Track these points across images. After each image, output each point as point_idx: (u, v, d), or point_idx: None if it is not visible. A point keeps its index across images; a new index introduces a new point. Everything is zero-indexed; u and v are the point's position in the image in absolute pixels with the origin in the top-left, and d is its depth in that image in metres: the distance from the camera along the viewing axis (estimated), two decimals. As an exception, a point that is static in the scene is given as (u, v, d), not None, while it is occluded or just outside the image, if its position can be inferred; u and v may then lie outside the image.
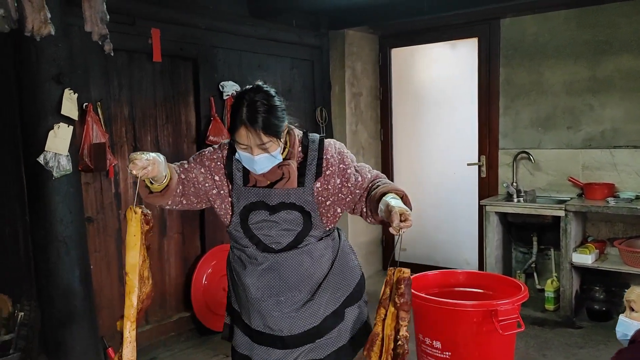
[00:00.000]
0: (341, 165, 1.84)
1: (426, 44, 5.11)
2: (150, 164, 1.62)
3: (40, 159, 2.94)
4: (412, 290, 1.70)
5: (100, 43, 1.18)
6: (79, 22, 2.96)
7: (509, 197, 4.57)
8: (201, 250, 4.11)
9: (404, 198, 1.70)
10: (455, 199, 5.12)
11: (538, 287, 4.57)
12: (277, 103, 1.76)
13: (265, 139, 1.71)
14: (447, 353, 2.82)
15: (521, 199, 4.51)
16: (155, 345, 3.77)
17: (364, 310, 2.01)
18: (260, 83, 1.79)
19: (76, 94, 3.01)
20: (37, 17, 1.05)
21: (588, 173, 4.39)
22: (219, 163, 1.89)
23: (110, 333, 3.44)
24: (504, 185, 4.65)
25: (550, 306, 4.28)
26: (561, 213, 4.05)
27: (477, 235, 4.84)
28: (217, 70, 4.08)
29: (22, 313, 3.13)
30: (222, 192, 1.88)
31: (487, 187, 4.86)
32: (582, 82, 4.36)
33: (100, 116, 3.34)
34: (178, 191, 1.84)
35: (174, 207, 1.90)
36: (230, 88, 4.07)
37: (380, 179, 1.84)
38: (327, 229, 1.89)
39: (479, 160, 4.88)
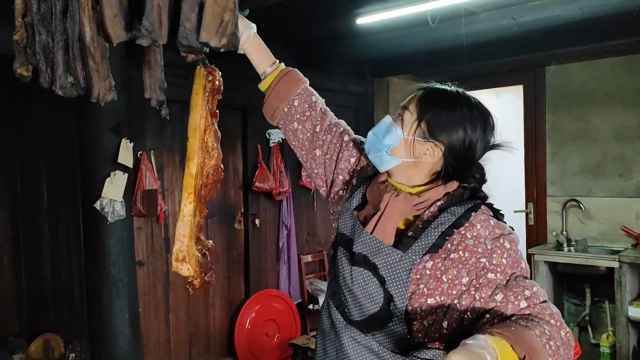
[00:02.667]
0: (482, 260, 1.13)
1: (470, 91, 5.13)
2: None
3: (97, 205, 3.10)
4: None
5: (157, 108, 1.27)
6: (137, 76, 3.18)
7: (558, 246, 4.44)
8: (245, 295, 4.16)
9: None
10: (502, 246, 5.00)
11: (593, 341, 4.36)
12: (466, 110, 1.21)
13: (412, 108, 1.23)
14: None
15: (572, 248, 4.37)
16: (198, 389, 3.80)
17: None
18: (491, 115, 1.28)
19: (132, 143, 3.19)
20: (102, 85, 1.14)
21: (643, 223, 4.23)
22: (358, 162, 1.39)
23: (155, 376, 3.50)
24: (553, 233, 4.52)
25: (606, 362, 4.07)
26: (615, 264, 3.89)
27: (525, 285, 4.69)
28: (265, 118, 4.22)
29: (74, 354, 3.23)
30: (335, 194, 1.41)
31: (536, 235, 4.74)
32: (632, 130, 4.26)
33: (153, 164, 3.50)
34: (292, 114, 1.42)
35: (288, 138, 1.46)
36: (276, 136, 4.19)
37: (532, 318, 1.07)
38: (427, 346, 1.17)
39: (527, 208, 4.78)
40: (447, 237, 1.15)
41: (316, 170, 1.43)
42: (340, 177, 1.39)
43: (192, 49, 1.03)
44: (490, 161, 1.29)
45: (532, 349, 0.98)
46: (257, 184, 4.03)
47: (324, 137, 1.41)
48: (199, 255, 1.40)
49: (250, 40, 1.37)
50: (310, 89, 1.47)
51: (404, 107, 1.25)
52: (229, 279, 4.08)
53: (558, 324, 1.08)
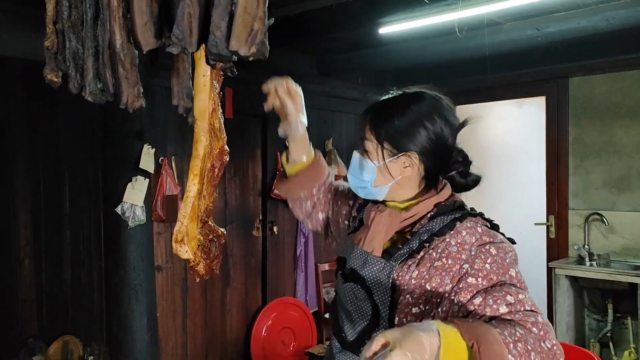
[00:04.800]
0: (465, 266, 1.09)
1: (492, 102, 5.10)
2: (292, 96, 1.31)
3: (118, 209, 3.13)
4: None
5: (184, 115, 1.28)
6: (160, 83, 3.21)
7: (580, 260, 4.36)
8: (262, 302, 4.16)
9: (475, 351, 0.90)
10: (522, 259, 4.91)
11: (615, 358, 4.27)
12: (414, 106, 1.20)
13: (367, 130, 1.23)
14: None
15: (594, 262, 4.29)
16: (213, 396, 3.80)
17: None
18: (435, 95, 1.26)
19: (154, 149, 3.22)
20: (131, 92, 1.16)
21: (668, 238, 4.14)
22: (354, 204, 1.42)
23: (171, 381, 3.51)
24: (575, 247, 4.45)
25: (628, 380, 3.98)
26: (638, 280, 3.81)
27: (545, 299, 4.62)
28: (285, 126, 4.23)
29: (92, 357, 3.26)
30: (340, 238, 1.45)
31: (557, 248, 4.66)
32: (658, 143, 4.19)
33: (174, 169, 3.53)
34: (305, 195, 1.43)
35: (303, 219, 1.49)
36: (296, 144, 4.20)
37: (509, 322, 0.99)
38: None
39: (548, 220, 4.71)
40: (425, 245, 1.13)
41: (319, 228, 1.50)
42: (342, 226, 1.42)
43: (221, 57, 1.04)
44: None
45: (484, 339, 0.89)
46: (275, 191, 4.04)
47: (324, 203, 1.47)
48: (201, 238, 1.38)
49: (300, 131, 1.38)
50: (331, 175, 1.49)
51: (361, 138, 1.25)
52: (246, 285, 4.08)
53: (542, 333, 1.00)
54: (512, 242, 1.21)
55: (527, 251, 4.91)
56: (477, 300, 1.04)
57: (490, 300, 1.03)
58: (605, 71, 4.37)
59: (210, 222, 1.39)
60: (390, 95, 1.27)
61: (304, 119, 1.37)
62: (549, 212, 4.71)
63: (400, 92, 1.27)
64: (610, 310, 4.28)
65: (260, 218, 4.15)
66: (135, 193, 3.17)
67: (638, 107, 4.25)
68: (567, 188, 4.61)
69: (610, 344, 4.32)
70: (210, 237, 1.41)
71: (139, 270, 3.19)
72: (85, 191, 3.54)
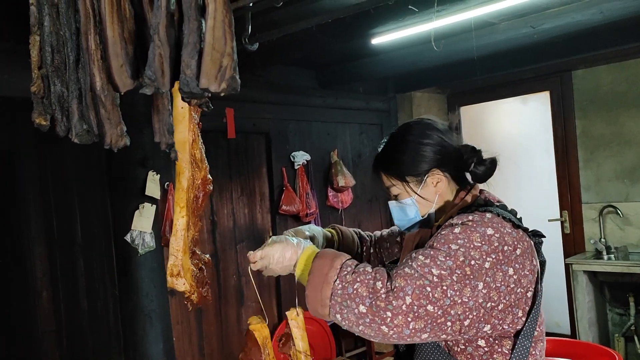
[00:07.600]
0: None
1: (495, 100, 5.06)
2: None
3: (127, 237, 3.17)
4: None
5: (167, 151, 1.30)
6: (161, 109, 3.26)
7: (597, 255, 4.29)
8: (278, 318, 4.16)
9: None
10: (539, 257, 4.87)
11: (640, 352, 4.19)
12: (407, 136, 1.37)
13: (386, 180, 1.40)
14: None
15: (612, 255, 4.22)
16: (235, 416, 3.80)
17: None
18: (416, 119, 1.44)
19: (158, 175, 3.26)
20: (114, 132, 1.18)
21: (686, 226, 4.06)
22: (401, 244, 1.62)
23: (192, 404, 3.52)
24: (591, 241, 4.38)
25: (656, 375, 3.89)
26: (658, 271, 3.74)
27: (566, 297, 4.55)
28: (288, 141, 4.25)
29: (111, 385, 3.29)
30: None
31: (573, 244, 4.59)
32: (668, 130, 4.12)
33: (181, 193, 3.56)
34: None
35: None
36: (301, 158, 4.21)
37: (378, 266, 1.22)
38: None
39: (561, 216, 4.65)
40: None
41: None
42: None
43: (193, 95, 1.06)
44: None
45: (323, 260, 1.17)
46: (283, 207, 4.05)
47: (374, 256, 1.68)
48: (195, 269, 1.40)
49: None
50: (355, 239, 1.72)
51: (386, 189, 1.41)
52: (261, 303, 4.08)
53: (390, 279, 1.11)
54: (538, 235, 1.36)
55: (543, 248, 4.85)
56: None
57: (410, 256, 1.18)
58: (608, 61, 4.32)
59: (197, 252, 1.41)
60: (383, 143, 1.44)
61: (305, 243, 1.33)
62: (562, 208, 4.65)
63: (389, 135, 1.44)
64: (632, 304, 4.20)
65: (271, 234, 4.16)
66: (143, 220, 3.21)
67: (645, 96, 4.19)
68: (578, 182, 4.55)
69: (635, 338, 4.23)
70: (200, 265, 1.42)
71: (152, 296, 3.22)
72: (95, 221, 3.58)
